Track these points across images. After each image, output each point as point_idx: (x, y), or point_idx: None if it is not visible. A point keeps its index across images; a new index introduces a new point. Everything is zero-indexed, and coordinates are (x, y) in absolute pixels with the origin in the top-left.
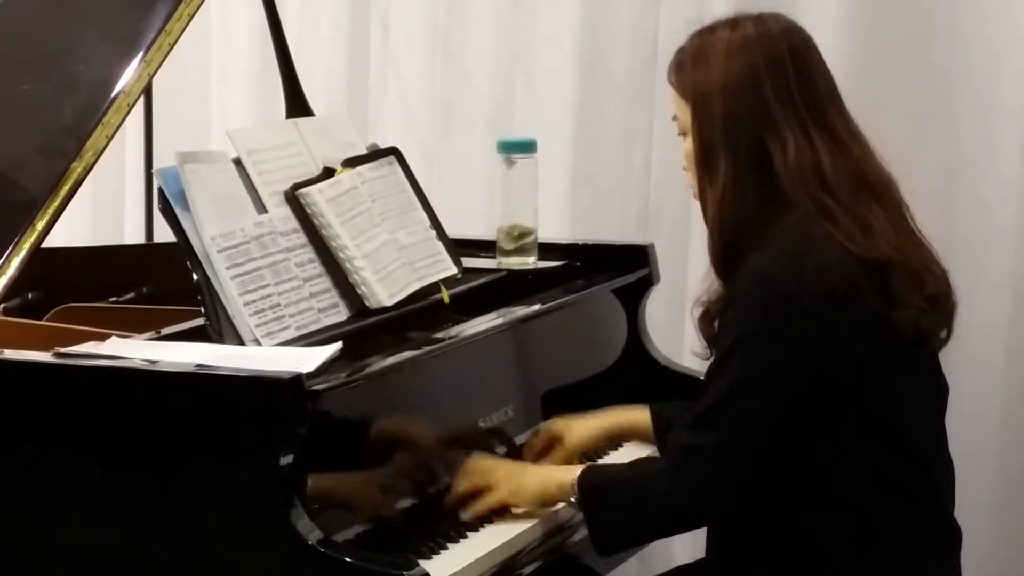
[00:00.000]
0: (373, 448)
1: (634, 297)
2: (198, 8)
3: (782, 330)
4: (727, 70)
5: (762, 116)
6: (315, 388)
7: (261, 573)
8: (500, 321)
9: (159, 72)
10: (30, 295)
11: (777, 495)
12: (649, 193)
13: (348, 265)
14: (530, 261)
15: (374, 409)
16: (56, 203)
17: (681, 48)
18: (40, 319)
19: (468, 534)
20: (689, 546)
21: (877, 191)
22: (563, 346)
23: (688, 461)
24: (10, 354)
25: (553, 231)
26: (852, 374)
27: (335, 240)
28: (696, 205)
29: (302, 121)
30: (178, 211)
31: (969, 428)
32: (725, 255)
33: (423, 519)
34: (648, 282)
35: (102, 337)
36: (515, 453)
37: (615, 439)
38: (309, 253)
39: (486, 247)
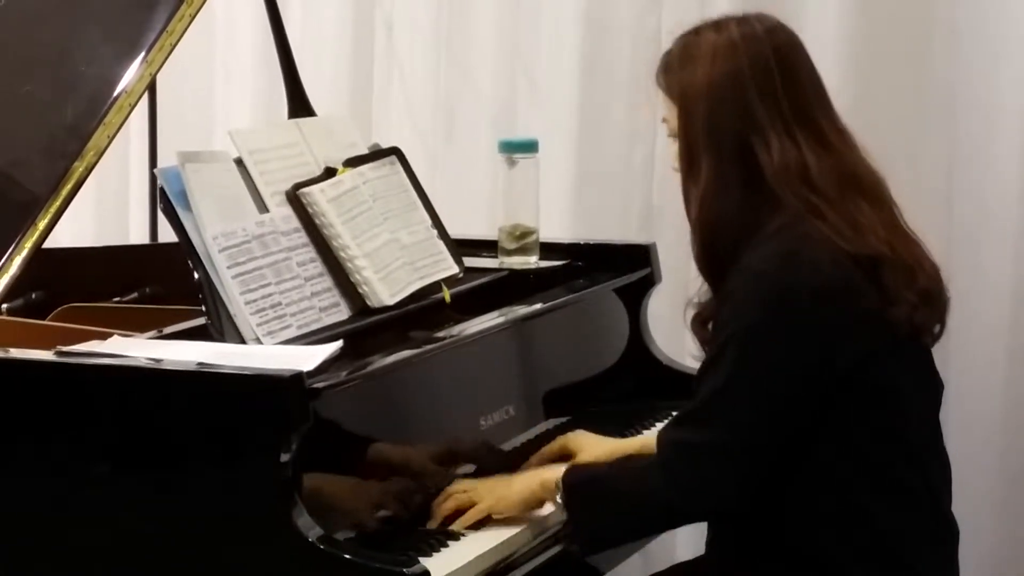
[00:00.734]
0: (374, 447)
1: (636, 297)
2: (200, 8)
3: (781, 328)
4: (712, 71)
5: (747, 117)
6: (316, 386)
7: (262, 570)
8: (501, 320)
9: (163, 72)
10: (34, 295)
11: (776, 492)
12: (651, 193)
13: (349, 264)
14: (532, 261)
15: (375, 408)
16: (58, 203)
17: (668, 50)
18: (44, 319)
19: (469, 532)
20: (691, 543)
21: (864, 189)
22: (564, 346)
23: (678, 457)
24: (13, 353)
25: (555, 231)
26: (851, 371)
27: (336, 239)
28: None
29: (304, 121)
30: (180, 210)
31: (969, 427)
32: (709, 255)
33: (424, 517)
34: (650, 282)
35: (104, 337)
36: (515, 453)
37: None
38: (310, 252)
39: (488, 247)
